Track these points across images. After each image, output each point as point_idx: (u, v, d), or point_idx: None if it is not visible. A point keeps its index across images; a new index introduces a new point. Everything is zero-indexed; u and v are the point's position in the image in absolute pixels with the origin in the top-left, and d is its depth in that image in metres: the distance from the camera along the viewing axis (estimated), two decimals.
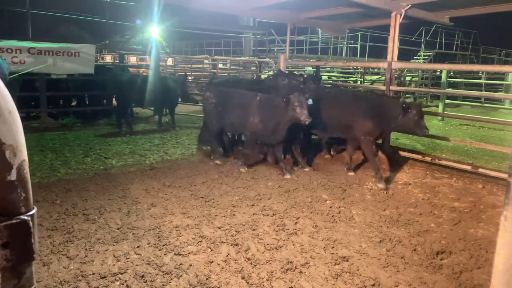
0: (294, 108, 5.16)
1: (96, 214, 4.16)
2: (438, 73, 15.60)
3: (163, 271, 3.10)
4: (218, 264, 3.24)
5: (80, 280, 2.95)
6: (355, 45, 20.49)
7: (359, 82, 16.56)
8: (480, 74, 16.85)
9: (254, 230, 3.91)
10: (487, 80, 16.02)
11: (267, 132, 5.66)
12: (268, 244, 3.60)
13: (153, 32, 9.99)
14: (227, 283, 2.98)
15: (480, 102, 14.54)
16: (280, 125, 5.51)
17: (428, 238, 3.86)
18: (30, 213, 0.95)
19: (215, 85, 7.04)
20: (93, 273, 3.03)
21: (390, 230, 4.03)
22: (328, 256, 3.44)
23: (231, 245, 3.57)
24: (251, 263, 3.27)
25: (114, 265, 3.16)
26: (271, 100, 5.69)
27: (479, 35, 22.50)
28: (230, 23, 14.66)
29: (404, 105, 5.31)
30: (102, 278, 2.98)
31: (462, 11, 7.33)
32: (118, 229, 3.83)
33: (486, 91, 15.59)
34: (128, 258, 3.28)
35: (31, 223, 0.93)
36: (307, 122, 5.09)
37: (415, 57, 21.66)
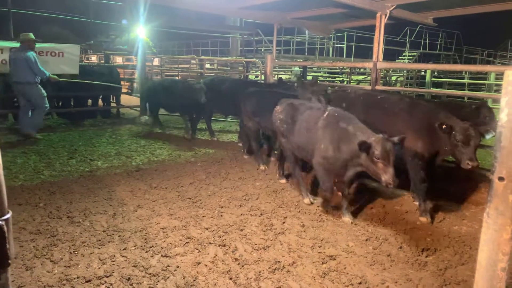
0: (375, 160, 3.58)
1: (81, 217, 4.09)
2: (423, 73, 15.83)
3: (149, 273, 3.06)
4: (206, 265, 3.22)
5: (64, 284, 2.89)
6: (341, 45, 20.64)
7: (345, 82, 16.69)
8: (463, 74, 17.16)
9: (241, 230, 3.89)
10: (470, 79, 16.33)
11: (336, 165, 4.11)
12: (255, 244, 3.60)
13: (140, 32, 9.89)
14: (215, 284, 2.97)
15: (464, 101, 14.79)
16: (348, 165, 4.01)
17: (413, 236, 3.91)
18: (5, 217, 0.92)
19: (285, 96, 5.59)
20: (78, 277, 2.98)
21: (376, 228, 4.07)
22: (316, 255, 3.46)
23: (219, 246, 3.56)
24: (238, 264, 3.26)
25: (99, 268, 3.12)
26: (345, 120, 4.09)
27: (462, 36, 22.93)
28: (217, 23, 14.62)
29: (443, 126, 3.95)
30: (87, 281, 2.94)
31: (445, 11, 7.46)
32: (103, 231, 3.77)
33: (469, 90, 15.88)
34: (114, 261, 3.23)
35: (5, 228, 0.90)
36: (390, 186, 3.55)
37: (400, 57, 21.94)
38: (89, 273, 3.03)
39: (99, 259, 3.25)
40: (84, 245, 3.47)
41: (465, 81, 16.12)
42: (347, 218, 4.22)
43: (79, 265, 3.15)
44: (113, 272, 3.05)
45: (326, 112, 4.29)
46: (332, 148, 4.04)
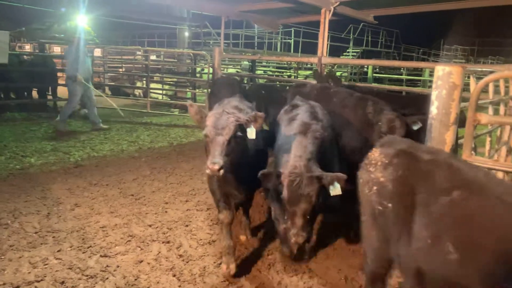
0: None
1: (10, 218, 3.76)
2: (366, 69, 16.56)
3: (86, 275, 2.89)
4: (148, 263, 3.10)
5: None
6: (289, 40, 20.94)
7: (293, 77, 16.99)
8: (401, 70, 18.19)
9: (187, 226, 3.81)
10: (407, 76, 17.34)
11: None
12: (201, 240, 3.54)
13: (80, 20, 9.26)
14: (157, 282, 2.87)
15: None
16: None
17: (357, 225, 4.05)
18: None
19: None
20: (4, 284, 2.73)
21: (322, 219, 4.16)
22: (263, 247, 3.47)
23: (163, 242, 3.45)
24: (183, 260, 3.18)
25: (29, 272, 2.88)
26: None
27: (400, 34, 24.30)
28: (163, 14, 14.15)
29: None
30: None
31: (384, 10, 7.83)
32: (35, 233, 3.50)
33: (406, 86, 16.88)
34: (46, 264, 3.00)
35: None
36: None
37: (344, 53, 22.74)
38: (18, 279, 2.79)
39: (30, 263, 3.01)
40: (12, 249, 3.19)
41: (403, 77, 17.12)
42: None
43: (5, 270, 2.89)
44: (45, 276, 2.84)
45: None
46: None
